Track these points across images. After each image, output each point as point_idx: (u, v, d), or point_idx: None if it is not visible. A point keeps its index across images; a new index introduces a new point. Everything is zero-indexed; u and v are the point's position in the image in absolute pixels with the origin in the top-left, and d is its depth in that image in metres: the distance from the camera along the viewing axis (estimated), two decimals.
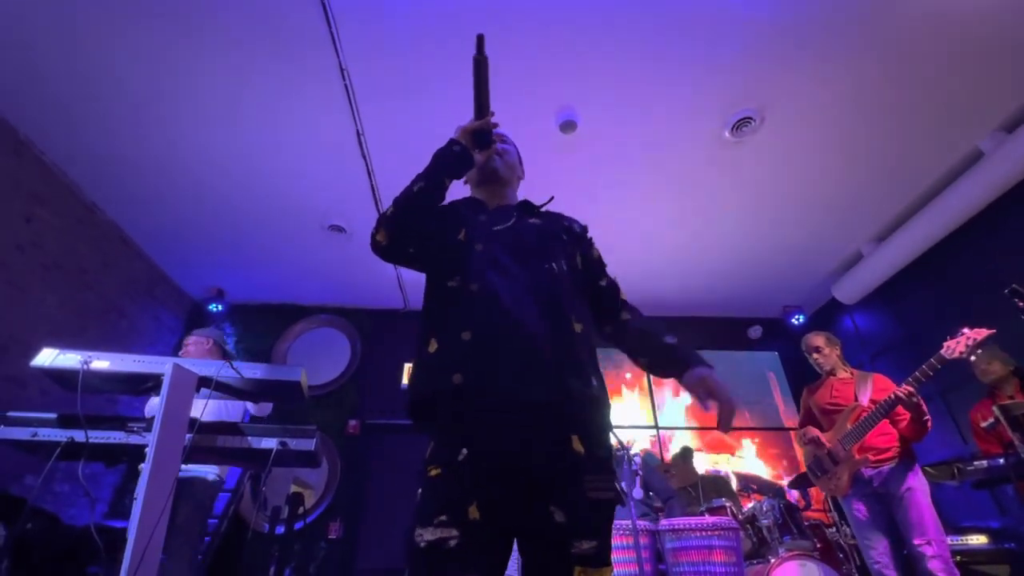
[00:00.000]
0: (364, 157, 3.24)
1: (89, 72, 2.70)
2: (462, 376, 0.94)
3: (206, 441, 1.58)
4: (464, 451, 0.90)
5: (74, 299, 3.49)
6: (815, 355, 2.75)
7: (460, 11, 2.43)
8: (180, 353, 2.91)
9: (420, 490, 0.91)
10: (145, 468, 1.28)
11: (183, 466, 2.29)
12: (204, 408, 2.38)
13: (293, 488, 4.04)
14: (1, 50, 2.58)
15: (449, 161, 1.17)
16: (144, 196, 3.58)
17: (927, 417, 2.32)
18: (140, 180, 3.44)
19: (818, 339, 2.77)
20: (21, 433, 1.50)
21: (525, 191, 1.36)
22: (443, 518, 0.83)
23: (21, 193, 3.10)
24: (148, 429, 1.48)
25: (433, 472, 0.90)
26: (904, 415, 2.37)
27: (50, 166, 3.26)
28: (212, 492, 2.47)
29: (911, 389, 2.25)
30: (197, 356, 2.89)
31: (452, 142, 1.19)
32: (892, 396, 2.29)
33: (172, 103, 2.88)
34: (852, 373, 2.69)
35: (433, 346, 1.00)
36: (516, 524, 0.90)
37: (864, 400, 2.48)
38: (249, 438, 1.62)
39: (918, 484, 2.31)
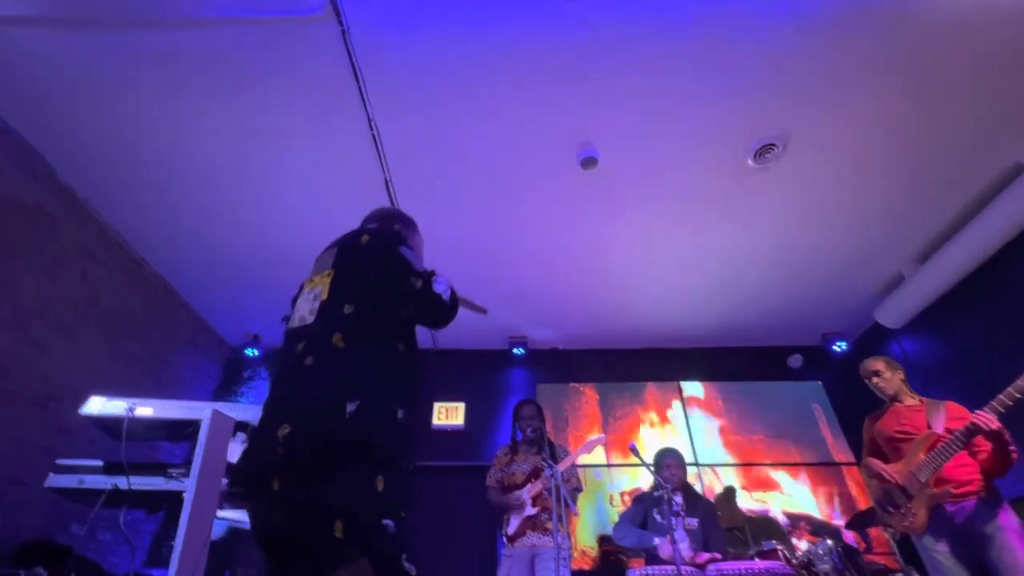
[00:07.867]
0: (392, 203, 3.37)
1: (138, 135, 2.93)
2: None
3: None
4: None
5: (123, 351, 3.66)
6: (875, 379, 2.57)
7: (479, 58, 2.55)
8: None
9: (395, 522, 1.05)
10: (184, 512, 1.31)
11: (237, 518, 2.32)
12: None
13: None
14: (60, 121, 2.84)
15: None
16: (187, 249, 3.80)
17: (1012, 447, 2.08)
18: (184, 235, 3.65)
19: (877, 363, 2.60)
20: (69, 480, 1.56)
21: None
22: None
23: (78, 251, 3.32)
24: (187, 475, 1.51)
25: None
26: (984, 445, 2.16)
27: (105, 225, 3.50)
28: None
29: (993, 417, 2.04)
30: None
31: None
32: (972, 424, 2.07)
33: (212, 163, 3.09)
34: (921, 400, 2.47)
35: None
36: None
37: (939, 429, 2.25)
38: None
39: (1009, 523, 2.07)
